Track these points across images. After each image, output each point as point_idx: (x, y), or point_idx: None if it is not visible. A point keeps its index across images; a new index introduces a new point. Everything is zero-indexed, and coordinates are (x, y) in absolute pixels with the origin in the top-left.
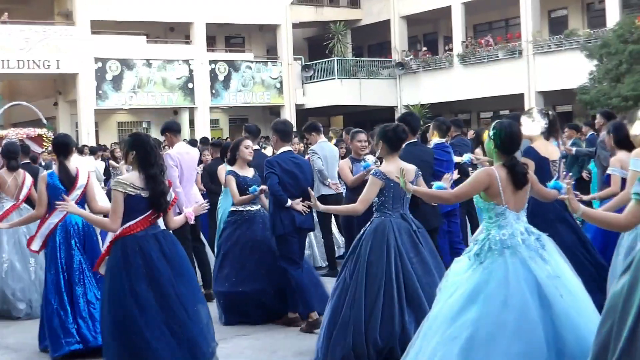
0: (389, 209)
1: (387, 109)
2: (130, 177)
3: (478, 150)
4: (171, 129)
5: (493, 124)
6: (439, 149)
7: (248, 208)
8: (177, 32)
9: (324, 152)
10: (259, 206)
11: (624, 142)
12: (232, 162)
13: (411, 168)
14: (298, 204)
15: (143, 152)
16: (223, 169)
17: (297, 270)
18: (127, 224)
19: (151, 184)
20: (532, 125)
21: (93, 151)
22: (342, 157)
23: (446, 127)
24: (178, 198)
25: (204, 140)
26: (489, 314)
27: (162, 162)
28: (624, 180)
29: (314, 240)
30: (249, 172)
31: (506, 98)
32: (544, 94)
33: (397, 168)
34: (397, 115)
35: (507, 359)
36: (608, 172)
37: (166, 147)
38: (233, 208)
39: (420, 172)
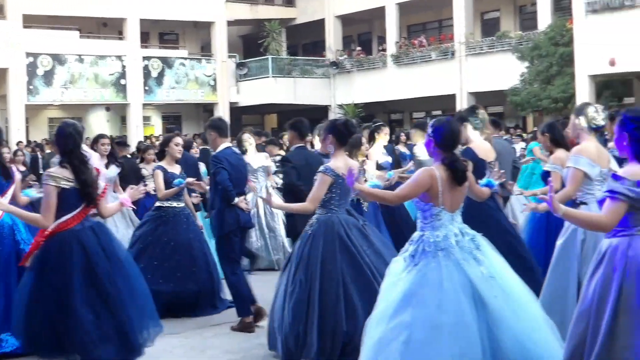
0: (335, 206)
1: (321, 107)
2: (62, 170)
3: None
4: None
5: (431, 122)
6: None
7: (174, 204)
8: (110, 27)
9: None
10: (183, 204)
11: (559, 141)
12: (161, 158)
13: (355, 164)
14: (242, 202)
15: (63, 142)
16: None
17: (234, 275)
18: (64, 218)
19: (78, 174)
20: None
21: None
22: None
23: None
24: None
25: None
26: (424, 317)
27: (81, 152)
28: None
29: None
30: (176, 169)
31: (438, 98)
32: (475, 94)
33: (345, 164)
34: (331, 114)
35: (445, 358)
36: (547, 168)
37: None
38: (158, 203)
39: (364, 170)
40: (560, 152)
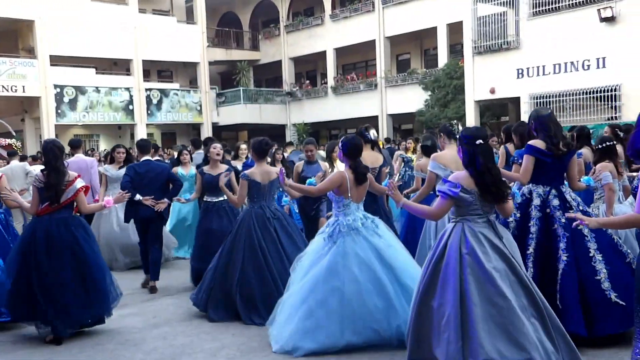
0: (254, 201)
1: (280, 126)
2: (41, 174)
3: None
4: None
5: (342, 138)
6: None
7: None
8: (119, 65)
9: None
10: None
11: (428, 151)
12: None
13: (272, 170)
14: (147, 200)
15: (44, 154)
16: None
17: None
18: (39, 208)
19: (47, 179)
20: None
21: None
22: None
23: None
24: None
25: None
26: (349, 279)
27: (59, 163)
28: (423, 180)
29: None
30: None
31: (366, 119)
32: (392, 116)
33: (262, 171)
34: (288, 131)
35: (370, 309)
36: (413, 174)
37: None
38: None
39: (283, 169)
40: (424, 160)
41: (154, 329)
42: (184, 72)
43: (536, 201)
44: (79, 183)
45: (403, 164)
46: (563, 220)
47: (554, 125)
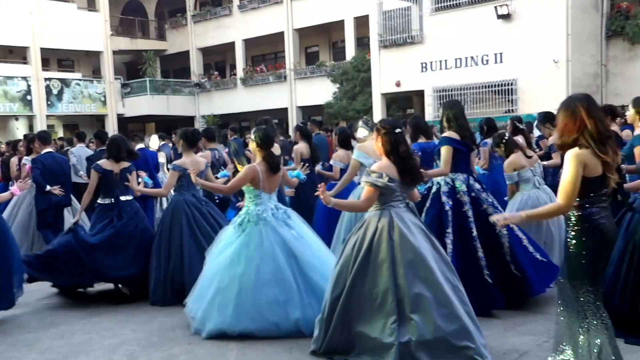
0: (184, 190)
1: (188, 118)
2: None
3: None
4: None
5: (253, 129)
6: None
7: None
8: (15, 53)
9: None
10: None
11: (345, 142)
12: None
13: (202, 161)
14: (55, 189)
15: None
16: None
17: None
18: None
19: None
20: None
21: None
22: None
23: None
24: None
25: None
26: (251, 268)
27: None
28: (343, 171)
29: None
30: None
31: (275, 111)
32: (302, 108)
33: (192, 161)
34: (197, 123)
35: (269, 300)
36: (331, 163)
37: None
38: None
39: (209, 163)
40: (341, 151)
41: (51, 328)
42: (87, 61)
43: (462, 187)
44: None
45: None
46: (490, 199)
47: (464, 117)
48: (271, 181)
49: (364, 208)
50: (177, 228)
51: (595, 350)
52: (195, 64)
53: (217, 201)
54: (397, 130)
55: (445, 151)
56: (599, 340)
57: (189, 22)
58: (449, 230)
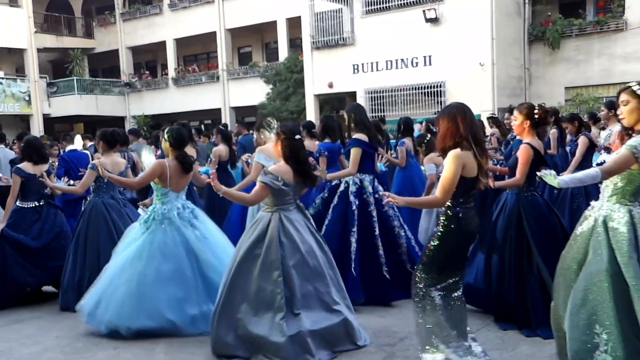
0: (103, 191)
1: (119, 118)
2: None
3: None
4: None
5: (166, 129)
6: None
7: None
8: None
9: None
10: None
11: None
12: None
13: (122, 162)
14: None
15: None
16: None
17: None
18: None
19: None
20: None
21: None
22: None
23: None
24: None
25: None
26: (152, 266)
27: None
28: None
29: None
30: None
31: (208, 111)
32: (235, 108)
33: (112, 162)
34: (127, 123)
35: (167, 297)
36: (249, 161)
37: None
38: None
39: (129, 165)
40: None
41: None
42: (9, 59)
43: (369, 188)
44: None
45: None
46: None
47: (368, 119)
48: (180, 180)
49: (252, 202)
50: (94, 231)
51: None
52: (125, 63)
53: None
54: (297, 137)
55: (354, 152)
56: (454, 332)
57: (117, 20)
58: (354, 229)
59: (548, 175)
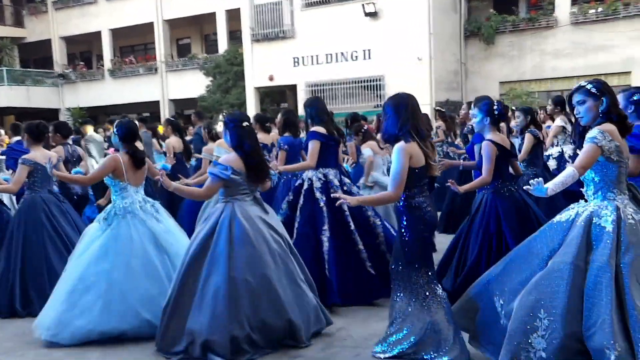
0: (39, 187)
1: (52, 110)
2: None
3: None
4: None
5: (116, 122)
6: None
7: None
8: None
9: None
10: None
11: (215, 136)
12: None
13: (52, 155)
14: None
15: None
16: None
17: None
18: None
19: None
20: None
21: None
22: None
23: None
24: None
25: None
26: (120, 262)
27: None
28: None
29: None
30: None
31: (147, 104)
32: (174, 101)
33: (43, 155)
34: (61, 115)
35: (141, 295)
36: (201, 156)
37: None
38: None
39: (62, 158)
40: (210, 145)
41: None
42: None
43: (335, 182)
44: None
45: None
46: (360, 193)
47: (326, 112)
48: (136, 174)
49: (204, 197)
50: (34, 229)
51: (435, 328)
52: (58, 54)
53: (76, 198)
54: (244, 124)
55: (312, 145)
56: (437, 317)
57: (49, 8)
58: (325, 227)
59: (536, 187)
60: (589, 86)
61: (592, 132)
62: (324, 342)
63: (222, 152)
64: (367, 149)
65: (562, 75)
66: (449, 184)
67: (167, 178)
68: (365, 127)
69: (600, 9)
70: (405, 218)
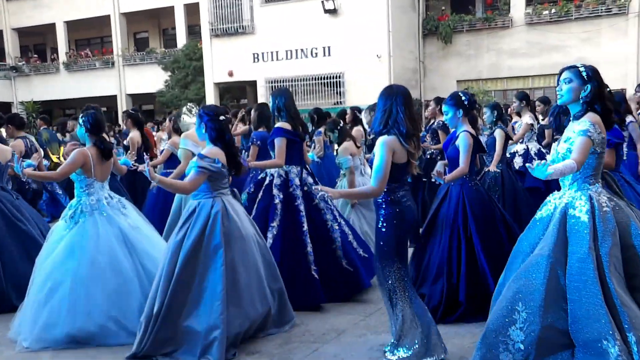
0: None
1: (4, 104)
2: None
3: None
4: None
5: (81, 114)
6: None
7: None
8: None
9: None
10: None
11: (177, 130)
12: None
13: (7, 149)
14: None
15: None
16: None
17: None
18: None
19: None
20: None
21: None
22: None
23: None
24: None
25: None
26: (86, 260)
27: None
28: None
29: None
30: None
31: (104, 98)
32: (132, 96)
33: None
34: (14, 109)
35: (106, 293)
36: (164, 147)
37: None
38: None
39: (22, 152)
40: (175, 138)
41: None
42: None
43: (296, 181)
44: None
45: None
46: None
47: (294, 106)
48: (103, 168)
49: (188, 190)
50: None
51: (408, 320)
52: (11, 46)
53: (30, 194)
54: (222, 118)
55: (279, 143)
56: (409, 312)
57: None
58: (274, 224)
59: (539, 166)
60: (581, 68)
61: (584, 125)
62: (282, 338)
63: (189, 145)
64: (345, 157)
65: (518, 74)
66: (434, 174)
67: (152, 169)
68: (341, 124)
69: (553, 11)
70: (384, 212)
